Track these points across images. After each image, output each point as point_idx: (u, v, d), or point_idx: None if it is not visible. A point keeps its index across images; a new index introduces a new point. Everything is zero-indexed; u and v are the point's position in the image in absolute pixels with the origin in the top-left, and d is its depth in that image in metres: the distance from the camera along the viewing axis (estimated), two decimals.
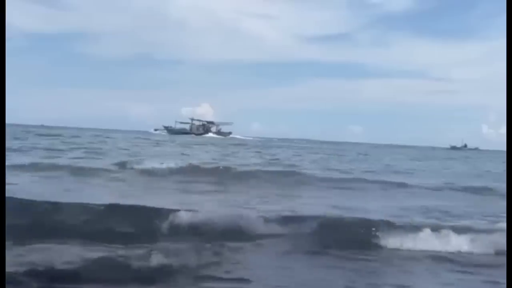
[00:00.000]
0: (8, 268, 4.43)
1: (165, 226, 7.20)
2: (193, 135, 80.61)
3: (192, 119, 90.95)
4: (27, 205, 7.46)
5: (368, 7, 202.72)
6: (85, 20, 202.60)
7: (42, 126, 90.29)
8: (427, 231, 7.28)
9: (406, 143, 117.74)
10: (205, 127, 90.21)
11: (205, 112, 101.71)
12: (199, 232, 6.95)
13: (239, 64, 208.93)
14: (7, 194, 6.32)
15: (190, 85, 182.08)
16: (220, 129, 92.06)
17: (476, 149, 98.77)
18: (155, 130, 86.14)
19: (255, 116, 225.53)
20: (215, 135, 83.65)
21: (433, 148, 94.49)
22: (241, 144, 49.73)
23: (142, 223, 7.25)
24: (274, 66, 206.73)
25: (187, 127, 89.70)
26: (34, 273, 4.85)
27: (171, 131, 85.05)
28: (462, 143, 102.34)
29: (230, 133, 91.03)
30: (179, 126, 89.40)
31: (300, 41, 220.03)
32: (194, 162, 18.65)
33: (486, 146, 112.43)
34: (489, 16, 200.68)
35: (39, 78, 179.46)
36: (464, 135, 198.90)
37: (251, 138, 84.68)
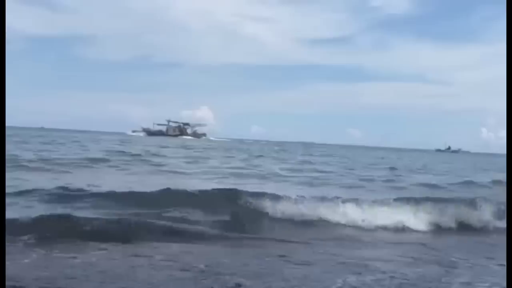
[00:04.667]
0: None
1: None
2: (169, 136, 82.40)
3: (169, 121, 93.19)
4: None
5: (368, 10, 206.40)
6: (84, 23, 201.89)
7: (42, 129, 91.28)
8: None
9: (402, 146, 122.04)
10: (181, 129, 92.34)
11: (204, 114, 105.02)
12: None
13: (239, 67, 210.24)
14: None
15: (189, 88, 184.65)
16: (196, 130, 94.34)
17: (459, 151, 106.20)
18: (133, 131, 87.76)
19: (254, 119, 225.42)
20: (189, 137, 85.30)
21: (421, 151, 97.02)
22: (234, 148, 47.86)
23: None
24: (274, 69, 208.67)
25: (163, 128, 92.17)
26: None
27: (148, 132, 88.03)
28: (445, 146, 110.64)
29: (204, 134, 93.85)
30: (156, 127, 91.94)
31: (299, 45, 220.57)
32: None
33: (486, 150, 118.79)
34: (488, 20, 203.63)
35: (38, 80, 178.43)
36: (463, 139, 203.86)
37: (226, 140, 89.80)
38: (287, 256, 5.55)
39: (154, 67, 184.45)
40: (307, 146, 79.27)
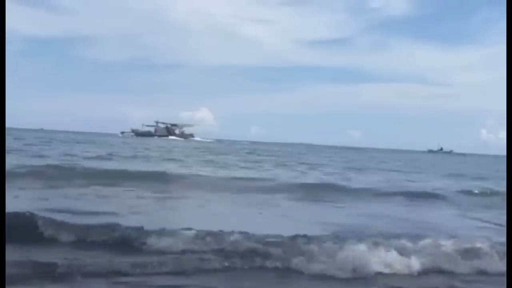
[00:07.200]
0: None
1: None
2: (157, 137, 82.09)
3: (157, 122, 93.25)
4: None
5: (368, 11, 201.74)
6: (84, 23, 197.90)
7: (42, 130, 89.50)
8: None
9: (401, 148, 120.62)
10: (168, 130, 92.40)
11: (204, 115, 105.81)
12: None
13: (239, 68, 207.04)
14: None
15: (189, 89, 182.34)
16: (184, 131, 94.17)
17: (450, 152, 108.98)
18: (122, 132, 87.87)
19: (254, 120, 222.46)
20: (177, 137, 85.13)
21: (414, 152, 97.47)
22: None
23: None
24: (273, 70, 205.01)
25: (152, 129, 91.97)
26: None
27: (137, 133, 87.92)
28: (438, 146, 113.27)
29: (192, 135, 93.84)
30: (145, 128, 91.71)
31: (299, 46, 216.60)
32: None
33: (485, 151, 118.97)
34: (488, 22, 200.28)
35: (38, 82, 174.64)
36: (462, 140, 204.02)
37: (212, 140, 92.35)
38: None
39: (153, 68, 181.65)
40: (308, 147, 78.92)
